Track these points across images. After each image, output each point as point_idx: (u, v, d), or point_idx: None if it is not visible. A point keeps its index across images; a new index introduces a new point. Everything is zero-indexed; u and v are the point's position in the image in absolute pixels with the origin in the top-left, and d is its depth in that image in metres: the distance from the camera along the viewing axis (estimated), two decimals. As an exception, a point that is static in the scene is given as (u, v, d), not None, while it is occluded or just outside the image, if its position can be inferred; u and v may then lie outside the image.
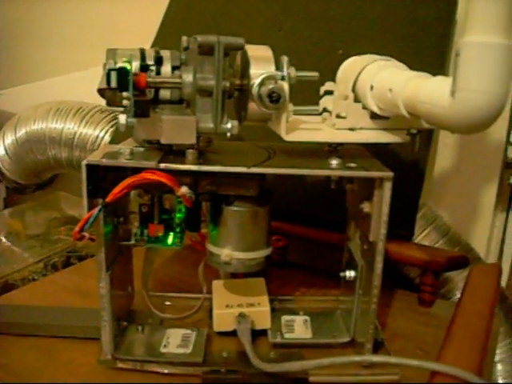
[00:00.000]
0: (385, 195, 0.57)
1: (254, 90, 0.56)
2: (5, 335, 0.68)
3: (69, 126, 1.18)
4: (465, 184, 1.01)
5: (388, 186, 0.56)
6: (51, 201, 1.27)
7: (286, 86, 0.57)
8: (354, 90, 0.63)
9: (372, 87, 0.60)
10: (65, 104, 1.22)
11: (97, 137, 1.16)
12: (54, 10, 1.46)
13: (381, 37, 0.90)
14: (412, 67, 0.62)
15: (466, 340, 0.59)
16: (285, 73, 0.57)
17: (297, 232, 0.87)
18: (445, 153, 1.01)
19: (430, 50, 0.87)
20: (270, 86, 0.55)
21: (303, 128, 0.62)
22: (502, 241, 1.10)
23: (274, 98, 0.55)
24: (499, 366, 0.92)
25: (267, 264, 0.66)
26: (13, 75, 1.53)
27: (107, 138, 1.14)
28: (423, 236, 0.91)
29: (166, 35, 1.07)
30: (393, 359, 0.52)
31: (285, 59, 0.58)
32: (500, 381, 0.92)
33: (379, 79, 0.60)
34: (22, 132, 1.23)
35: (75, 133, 1.17)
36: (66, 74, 1.40)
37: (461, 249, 0.93)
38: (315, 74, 0.61)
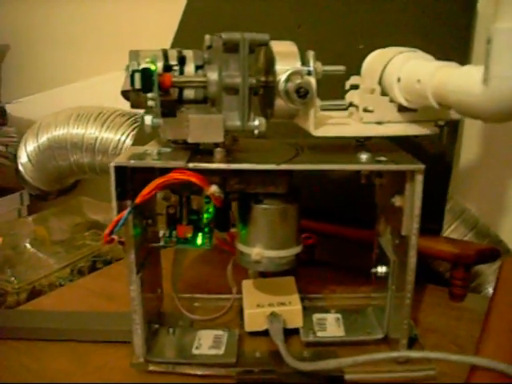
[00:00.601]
0: (417, 188, 0.56)
1: (281, 86, 0.55)
2: (35, 341, 0.69)
3: (90, 131, 1.18)
4: (491, 175, 1.00)
5: (420, 178, 0.56)
6: (74, 206, 1.27)
7: (313, 80, 0.56)
8: (380, 83, 0.62)
9: (399, 79, 0.59)
10: (85, 109, 1.22)
11: (118, 141, 1.16)
12: (71, 15, 1.46)
13: (401, 30, 0.89)
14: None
15: (503, 333, 0.58)
16: (311, 67, 0.57)
17: (325, 230, 0.86)
18: (471, 144, 0.99)
19: (452, 43, 0.86)
20: (297, 81, 0.54)
21: (330, 123, 0.61)
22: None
23: (302, 93, 0.54)
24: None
25: (298, 262, 0.65)
26: (32, 82, 1.53)
27: (128, 141, 1.14)
28: (451, 230, 0.90)
29: (185, 36, 1.07)
30: (432, 354, 0.51)
31: (311, 54, 0.57)
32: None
33: (406, 71, 0.59)
34: (43, 139, 1.23)
35: (96, 138, 1.17)
36: (84, 79, 1.40)
37: (490, 241, 0.91)
38: (341, 67, 0.60)
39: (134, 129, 1.15)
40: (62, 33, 1.49)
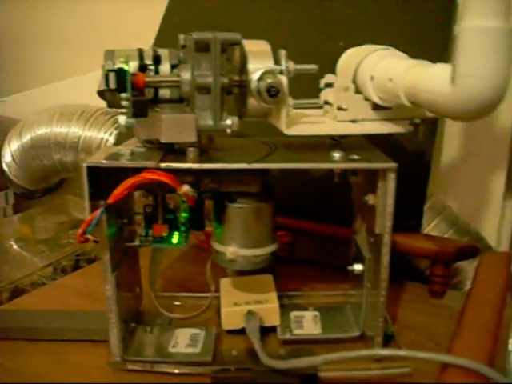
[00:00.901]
0: (389, 187, 0.56)
1: (253, 85, 0.55)
2: (14, 340, 0.68)
3: (73, 130, 1.18)
4: (473, 173, 1.00)
5: (392, 177, 0.56)
6: (59, 205, 1.27)
7: (284, 79, 0.56)
8: (354, 81, 0.63)
9: (372, 77, 0.60)
10: (68, 108, 1.22)
11: (101, 139, 1.16)
12: (54, 14, 1.45)
13: (381, 27, 0.89)
14: (415, 56, 0.60)
15: (476, 331, 0.58)
16: (283, 66, 0.57)
17: (304, 227, 0.87)
18: (452, 142, 1.00)
19: (432, 39, 0.86)
20: (269, 81, 0.54)
21: (304, 122, 0.62)
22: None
23: (273, 92, 0.55)
24: (514, 356, 0.91)
25: (274, 260, 0.66)
26: (16, 81, 1.53)
27: (112, 140, 1.14)
28: (432, 227, 0.90)
29: (167, 35, 1.07)
30: (401, 352, 0.52)
31: (283, 53, 0.57)
32: (515, 370, 0.91)
33: (379, 69, 0.59)
34: (26, 138, 1.23)
35: (80, 136, 1.17)
36: (68, 77, 1.40)
37: (471, 238, 0.92)
38: (314, 66, 0.60)
39: (118, 127, 1.15)
40: (45, 32, 1.49)
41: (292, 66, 0.57)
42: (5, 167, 1.30)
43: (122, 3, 1.34)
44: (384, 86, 0.58)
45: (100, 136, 1.16)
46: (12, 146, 1.26)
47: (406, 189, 0.80)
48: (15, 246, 1.10)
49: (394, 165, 0.55)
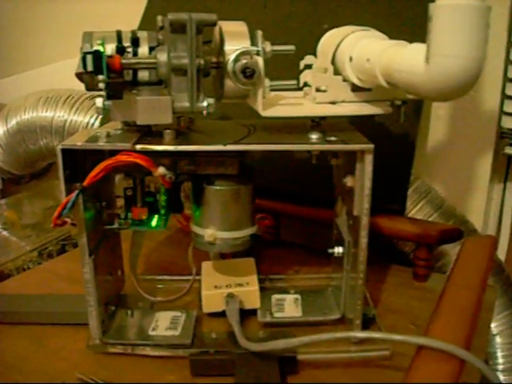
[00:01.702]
0: (366, 168, 0.56)
1: (229, 66, 0.55)
2: (-4, 324, 0.69)
3: (59, 114, 1.17)
4: (459, 156, 1.00)
5: (369, 158, 0.55)
6: (46, 190, 1.26)
7: (260, 60, 0.56)
8: (333, 62, 0.62)
9: (351, 58, 0.59)
10: (54, 92, 1.21)
11: (87, 123, 1.15)
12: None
13: (365, 9, 0.88)
14: (398, 38, 0.59)
15: (453, 313, 0.59)
16: (259, 47, 0.56)
17: (288, 210, 0.87)
18: (438, 125, 1.00)
19: (416, 21, 0.85)
20: (244, 61, 0.54)
21: (282, 104, 0.61)
22: (501, 213, 1.09)
23: (248, 73, 0.54)
24: (498, 339, 0.91)
25: (253, 242, 0.66)
26: (1, 66, 1.52)
27: (97, 124, 1.14)
28: (417, 210, 0.90)
29: (152, 17, 1.06)
30: (377, 334, 0.52)
31: (259, 34, 0.57)
32: (499, 353, 0.91)
33: (358, 50, 0.59)
34: (12, 122, 1.22)
35: (66, 120, 1.16)
36: (54, 62, 1.39)
37: (456, 221, 0.92)
38: (291, 47, 0.59)
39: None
40: (31, 16, 1.48)
41: (269, 47, 0.57)
42: (-9, 152, 1.29)
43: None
44: (362, 67, 0.57)
45: (86, 120, 1.16)
46: (-3, 131, 1.26)
47: (390, 171, 0.80)
48: (2, 231, 1.09)
49: (370, 146, 0.55)
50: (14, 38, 1.52)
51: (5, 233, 1.09)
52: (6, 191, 1.43)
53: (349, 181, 0.60)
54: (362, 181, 0.57)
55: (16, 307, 0.71)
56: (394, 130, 0.82)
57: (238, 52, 0.54)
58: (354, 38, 0.61)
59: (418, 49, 0.48)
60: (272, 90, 0.59)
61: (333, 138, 0.57)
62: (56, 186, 1.26)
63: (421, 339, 0.50)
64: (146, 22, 1.06)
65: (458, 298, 0.62)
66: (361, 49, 0.59)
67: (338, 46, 0.62)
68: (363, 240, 0.58)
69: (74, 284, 0.76)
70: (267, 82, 0.57)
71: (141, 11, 1.10)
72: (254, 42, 0.57)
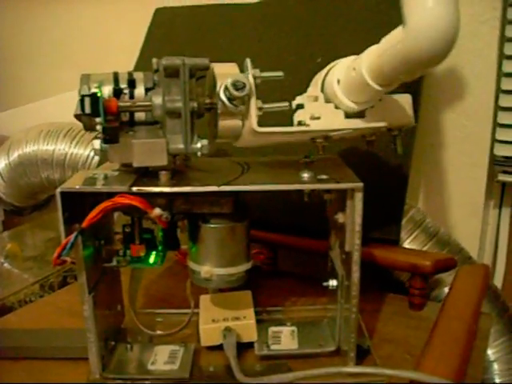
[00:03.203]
0: (356, 206, 0.57)
1: (221, 95, 0.57)
2: (-2, 359, 0.70)
3: (60, 147, 1.19)
4: (453, 184, 1.02)
5: (359, 196, 0.57)
6: (48, 221, 1.28)
7: (250, 77, 0.58)
8: (322, 90, 0.64)
9: (339, 81, 0.61)
10: (55, 125, 1.23)
11: (87, 156, 1.17)
12: (42, 32, 1.47)
13: (358, 42, 0.90)
14: None
15: (445, 344, 0.59)
16: (249, 73, 0.58)
17: (284, 241, 0.88)
18: (430, 154, 1.01)
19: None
20: (234, 78, 0.56)
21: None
22: (497, 238, 1.10)
23: (239, 86, 0.56)
24: (495, 365, 0.92)
25: (249, 277, 0.67)
26: (3, 99, 1.54)
27: (97, 158, 1.15)
28: (412, 239, 0.91)
29: (149, 55, 1.08)
30: (369, 369, 0.52)
31: (248, 61, 0.58)
32: (497, 380, 0.92)
33: (342, 69, 0.61)
34: (14, 155, 1.24)
35: (66, 153, 1.18)
36: (55, 95, 1.41)
37: (450, 249, 0.93)
38: (280, 73, 0.61)
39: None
40: (33, 49, 1.50)
41: (258, 72, 0.59)
42: (-7, 185, 1.31)
43: (109, 22, 1.35)
44: (350, 82, 0.59)
45: (86, 153, 1.17)
46: (0, 164, 1.27)
47: (384, 202, 0.81)
48: (4, 264, 1.10)
49: (360, 184, 0.56)
50: (15, 70, 1.54)
51: (7, 265, 1.10)
52: (8, 222, 1.45)
53: (340, 217, 0.61)
54: (353, 217, 0.58)
55: (17, 342, 0.72)
56: (387, 161, 0.84)
57: (228, 80, 0.56)
58: (339, 64, 0.63)
59: (394, 31, 0.51)
60: (265, 111, 0.60)
61: (324, 177, 0.59)
62: (57, 218, 1.27)
63: (412, 374, 0.51)
64: (143, 59, 1.09)
65: (450, 329, 0.63)
66: (344, 67, 0.61)
67: (326, 75, 0.64)
68: (355, 275, 0.60)
69: (75, 317, 0.77)
70: (259, 103, 0.59)
71: (140, 43, 1.12)
72: (243, 69, 0.59)
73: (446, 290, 0.89)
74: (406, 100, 0.67)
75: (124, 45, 1.23)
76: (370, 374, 0.60)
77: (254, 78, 0.59)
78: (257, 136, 0.60)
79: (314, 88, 0.65)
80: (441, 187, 1.02)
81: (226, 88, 0.56)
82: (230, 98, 0.57)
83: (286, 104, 0.63)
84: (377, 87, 0.56)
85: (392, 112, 0.63)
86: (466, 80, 0.96)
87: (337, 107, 0.63)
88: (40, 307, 0.87)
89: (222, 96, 0.57)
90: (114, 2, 1.33)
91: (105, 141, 0.56)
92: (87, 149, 1.17)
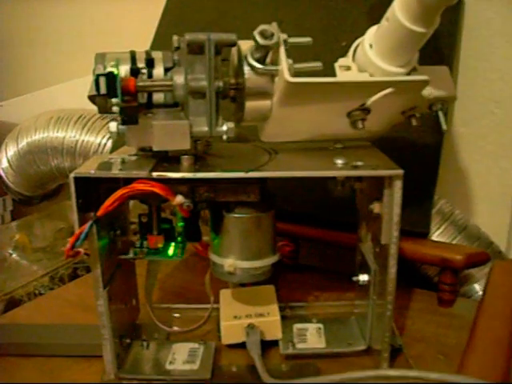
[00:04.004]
0: (395, 195, 0.53)
1: (248, 56, 0.53)
2: (7, 356, 0.66)
3: (70, 135, 1.15)
4: (482, 175, 0.97)
5: (398, 184, 0.52)
6: (58, 211, 1.25)
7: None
8: (354, 60, 0.61)
9: (371, 45, 0.58)
10: (65, 112, 1.19)
11: (99, 144, 1.13)
12: (51, 17, 1.44)
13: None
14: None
15: (489, 346, 0.55)
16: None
17: (307, 234, 0.84)
18: (460, 143, 0.97)
19: (437, 35, 0.83)
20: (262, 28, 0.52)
21: None
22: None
23: (268, 34, 0.52)
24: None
25: (275, 271, 0.63)
26: (12, 85, 1.51)
27: (109, 144, 1.11)
28: (440, 232, 0.87)
29: (165, 36, 1.04)
30: (411, 373, 0.48)
31: (274, 24, 0.54)
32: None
33: (372, 34, 0.58)
34: (23, 143, 1.21)
35: (77, 141, 1.14)
36: (65, 81, 1.38)
37: (480, 243, 0.88)
38: (308, 39, 0.57)
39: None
40: (42, 35, 1.47)
41: (285, 36, 0.55)
42: (1, 173, 1.27)
43: (120, 5, 1.32)
44: (384, 34, 0.56)
45: (97, 141, 1.13)
46: (9, 152, 1.24)
47: (413, 194, 0.77)
48: (12, 255, 1.07)
49: (400, 172, 0.52)
50: (24, 56, 1.52)
51: (16, 256, 1.07)
52: (16, 212, 1.42)
53: (376, 207, 0.57)
54: (391, 208, 0.54)
55: (27, 338, 0.68)
56: (415, 152, 0.80)
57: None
58: (370, 30, 0.59)
59: None
60: (296, 71, 0.55)
61: (359, 163, 0.54)
62: (67, 208, 1.24)
63: (459, 378, 0.47)
64: (159, 40, 1.04)
65: (492, 328, 0.59)
66: (375, 29, 0.58)
67: (358, 44, 0.60)
68: (392, 270, 0.56)
69: (87, 312, 0.74)
70: (290, 61, 0.54)
71: (153, 28, 1.08)
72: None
73: (476, 286, 0.85)
74: (444, 70, 0.64)
75: (137, 29, 1.19)
76: (411, 378, 0.56)
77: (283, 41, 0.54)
78: (289, 97, 0.55)
79: (345, 58, 0.61)
80: (468, 177, 0.98)
81: (253, 37, 0.52)
82: (259, 60, 0.53)
83: (319, 64, 0.57)
84: (415, 27, 0.53)
85: (431, 82, 0.58)
86: (497, 66, 0.92)
87: (372, 76, 0.58)
88: (50, 301, 0.84)
89: (250, 59, 0.53)
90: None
91: (123, 122, 0.52)
92: (99, 136, 1.14)
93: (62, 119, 1.17)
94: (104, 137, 1.13)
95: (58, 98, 1.37)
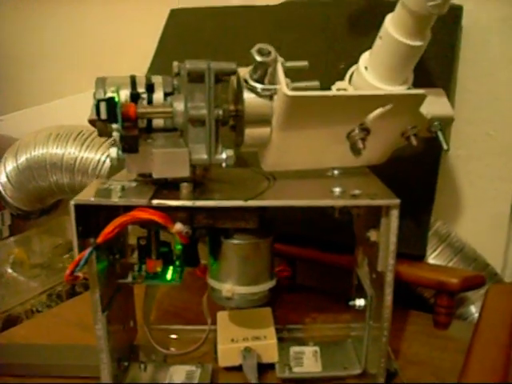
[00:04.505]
0: (392, 224, 0.53)
1: (247, 77, 0.55)
2: (6, 377, 0.66)
3: (69, 151, 1.15)
4: (478, 197, 0.98)
5: (395, 214, 0.53)
6: (56, 226, 1.25)
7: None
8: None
9: (366, 68, 0.60)
10: (65, 129, 1.19)
11: (98, 161, 1.13)
12: (51, 33, 1.44)
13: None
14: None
15: (484, 373, 0.56)
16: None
17: (305, 255, 0.85)
18: (456, 165, 0.97)
19: (436, 62, 0.84)
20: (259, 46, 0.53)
21: None
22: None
23: (265, 51, 0.53)
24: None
25: (272, 296, 0.63)
26: (12, 100, 1.52)
27: (108, 162, 1.12)
28: (437, 254, 0.87)
29: (163, 57, 1.05)
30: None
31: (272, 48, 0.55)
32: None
33: (366, 56, 0.61)
34: (22, 159, 1.21)
35: (76, 158, 1.15)
36: (64, 96, 1.38)
37: (476, 265, 0.89)
38: (304, 63, 0.58)
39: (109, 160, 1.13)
40: (42, 50, 1.48)
41: (282, 60, 0.56)
42: (0, 188, 1.27)
43: (120, 22, 1.32)
44: (378, 52, 0.59)
45: (96, 158, 1.14)
46: (7, 167, 1.24)
47: (410, 217, 0.78)
48: (10, 271, 1.07)
49: (396, 201, 0.53)
50: (24, 71, 1.52)
51: (13, 272, 1.07)
52: (15, 226, 1.42)
53: (372, 235, 0.57)
54: (387, 236, 0.54)
55: (25, 359, 0.69)
56: (413, 173, 0.81)
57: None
58: (365, 54, 0.62)
59: None
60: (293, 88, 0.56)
61: (357, 192, 0.55)
62: (65, 223, 1.24)
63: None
64: (158, 59, 1.05)
65: (488, 355, 0.59)
66: (369, 52, 0.61)
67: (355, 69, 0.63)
68: (388, 297, 0.56)
69: (85, 331, 0.74)
70: (287, 80, 0.55)
71: (153, 45, 1.09)
72: None
73: (472, 308, 0.86)
74: (439, 92, 0.66)
75: (138, 46, 1.20)
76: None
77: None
78: (288, 116, 0.55)
79: (342, 82, 0.63)
80: (465, 199, 0.99)
81: (251, 55, 0.53)
82: (258, 80, 0.54)
83: (317, 83, 0.59)
84: (408, 41, 0.55)
85: (428, 103, 0.59)
86: (493, 88, 0.92)
87: None
88: (48, 319, 0.84)
89: (250, 80, 0.54)
90: (128, 3, 1.30)
91: (123, 150, 0.52)
92: (98, 153, 1.14)
93: (62, 136, 1.17)
94: (103, 154, 1.14)
95: (58, 112, 1.37)
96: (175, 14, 1.11)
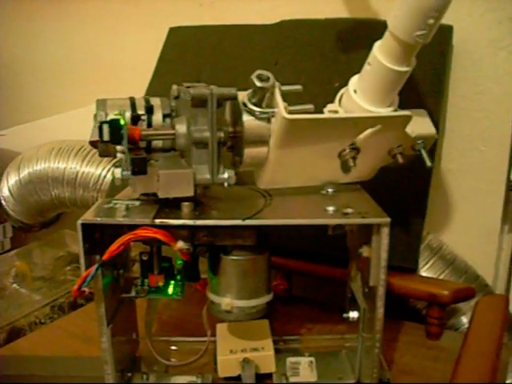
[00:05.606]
0: (383, 241, 0.56)
1: (246, 100, 0.58)
2: (9, 388, 0.68)
3: (71, 166, 1.18)
4: (469, 210, 1.00)
5: (386, 231, 0.56)
6: (57, 239, 1.27)
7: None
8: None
9: (355, 91, 0.63)
10: (66, 143, 1.22)
11: (99, 175, 1.16)
12: (54, 48, 1.46)
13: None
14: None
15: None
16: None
17: (300, 268, 0.87)
18: (448, 179, 1.00)
19: (428, 83, 0.86)
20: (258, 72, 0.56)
21: None
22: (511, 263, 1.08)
23: (264, 77, 0.56)
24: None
25: (269, 309, 0.66)
26: (14, 114, 1.54)
27: (109, 176, 1.14)
28: (428, 266, 0.90)
29: (163, 75, 1.08)
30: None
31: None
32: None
33: (356, 80, 0.64)
34: (24, 173, 1.23)
35: (77, 172, 1.17)
36: (67, 111, 1.40)
37: (467, 277, 0.91)
38: (298, 87, 0.62)
39: (115, 163, 1.15)
40: (45, 65, 1.50)
41: (278, 84, 0.58)
42: (2, 201, 1.30)
43: (122, 37, 1.34)
44: (366, 78, 0.62)
45: (97, 172, 1.16)
46: (10, 181, 1.26)
47: (402, 230, 0.80)
48: (12, 284, 1.09)
49: (387, 220, 0.55)
50: (26, 86, 1.54)
51: (15, 285, 1.09)
52: (16, 239, 1.43)
53: (365, 251, 0.60)
54: (379, 252, 0.57)
55: (30, 370, 0.71)
56: (404, 187, 0.83)
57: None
58: (354, 77, 0.65)
59: None
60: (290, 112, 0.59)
61: (349, 210, 0.57)
62: (66, 236, 1.26)
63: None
64: (158, 77, 1.08)
65: (475, 366, 0.61)
66: (358, 77, 0.64)
67: (344, 92, 0.66)
68: (380, 310, 0.59)
69: (88, 343, 0.76)
70: (285, 104, 0.58)
71: (153, 61, 1.11)
72: None
73: (463, 318, 0.88)
74: (422, 112, 0.70)
75: (137, 64, 1.22)
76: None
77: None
78: (285, 136, 0.58)
79: (332, 104, 0.67)
80: (456, 212, 1.01)
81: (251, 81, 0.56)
82: (256, 104, 0.57)
83: (311, 106, 0.63)
84: (395, 67, 0.59)
85: (412, 122, 0.63)
86: (484, 105, 0.95)
87: None
88: (52, 332, 0.86)
89: (248, 104, 0.57)
90: (128, 20, 1.32)
91: (133, 172, 0.54)
92: (98, 168, 1.16)
93: (63, 150, 1.20)
94: (104, 169, 1.16)
95: (60, 127, 1.39)
96: (174, 32, 1.14)
